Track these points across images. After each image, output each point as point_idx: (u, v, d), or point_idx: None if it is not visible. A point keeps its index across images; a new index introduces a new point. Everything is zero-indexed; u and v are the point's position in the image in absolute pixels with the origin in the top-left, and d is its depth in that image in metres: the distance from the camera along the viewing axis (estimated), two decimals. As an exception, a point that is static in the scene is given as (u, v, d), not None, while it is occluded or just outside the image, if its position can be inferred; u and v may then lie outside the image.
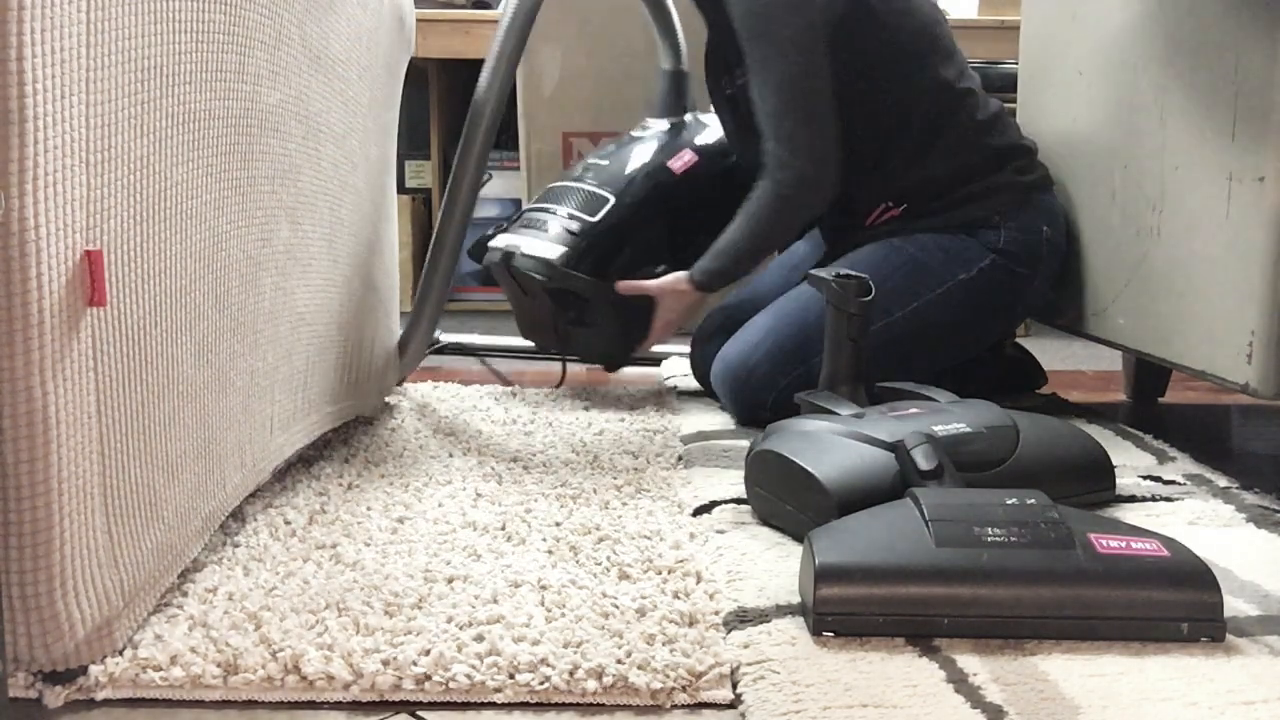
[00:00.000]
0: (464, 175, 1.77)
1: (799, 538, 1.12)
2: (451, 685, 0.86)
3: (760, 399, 1.66)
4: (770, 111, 1.67)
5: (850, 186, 1.73)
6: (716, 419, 1.73)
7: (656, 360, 2.15)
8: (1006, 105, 2.04)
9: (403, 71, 1.76)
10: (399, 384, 1.89)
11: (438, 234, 1.81)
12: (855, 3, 1.67)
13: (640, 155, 1.93)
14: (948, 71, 1.74)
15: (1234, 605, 0.98)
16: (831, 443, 1.20)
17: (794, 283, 1.77)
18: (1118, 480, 1.32)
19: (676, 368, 2.10)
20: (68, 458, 0.81)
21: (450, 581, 1.05)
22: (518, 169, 2.74)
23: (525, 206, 2.08)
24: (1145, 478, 1.40)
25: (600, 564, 1.10)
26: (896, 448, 1.15)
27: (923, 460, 1.12)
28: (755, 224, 1.71)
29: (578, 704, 0.86)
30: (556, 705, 0.86)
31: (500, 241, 1.90)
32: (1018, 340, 2.00)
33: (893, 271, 1.66)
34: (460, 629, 0.94)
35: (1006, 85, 2.19)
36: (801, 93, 1.66)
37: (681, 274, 1.80)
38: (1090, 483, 1.29)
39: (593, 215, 1.85)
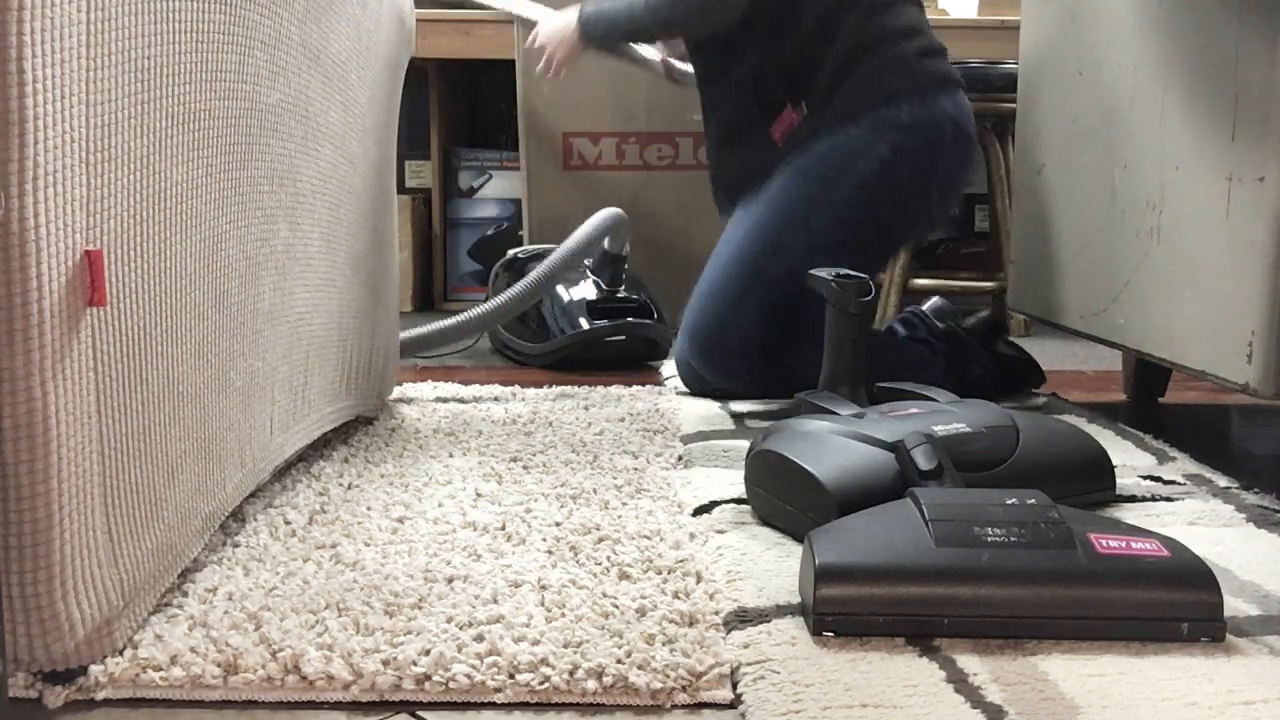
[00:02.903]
0: None
1: (799, 538, 1.12)
2: (451, 685, 0.86)
3: (727, 339, 1.70)
4: None
5: (769, 80, 1.82)
6: (716, 419, 1.73)
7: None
8: (1006, 105, 2.04)
9: (403, 71, 1.76)
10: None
11: None
12: None
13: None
14: None
15: (1234, 605, 0.98)
16: (831, 443, 1.20)
17: None
18: (1118, 480, 1.32)
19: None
20: (68, 458, 0.81)
21: (450, 581, 1.05)
22: (518, 169, 2.73)
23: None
24: (1145, 478, 1.40)
25: (600, 564, 1.10)
26: (896, 448, 1.15)
27: (923, 460, 1.12)
28: None
29: (578, 704, 0.86)
30: (556, 705, 0.86)
31: None
32: (1014, 340, 2.00)
33: (797, 191, 1.73)
34: (460, 629, 0.94)
35: (1006, 85, 2.19)
36: None
37: (573, 11, 1.93)
38: (1090, 483, 1.29)
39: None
